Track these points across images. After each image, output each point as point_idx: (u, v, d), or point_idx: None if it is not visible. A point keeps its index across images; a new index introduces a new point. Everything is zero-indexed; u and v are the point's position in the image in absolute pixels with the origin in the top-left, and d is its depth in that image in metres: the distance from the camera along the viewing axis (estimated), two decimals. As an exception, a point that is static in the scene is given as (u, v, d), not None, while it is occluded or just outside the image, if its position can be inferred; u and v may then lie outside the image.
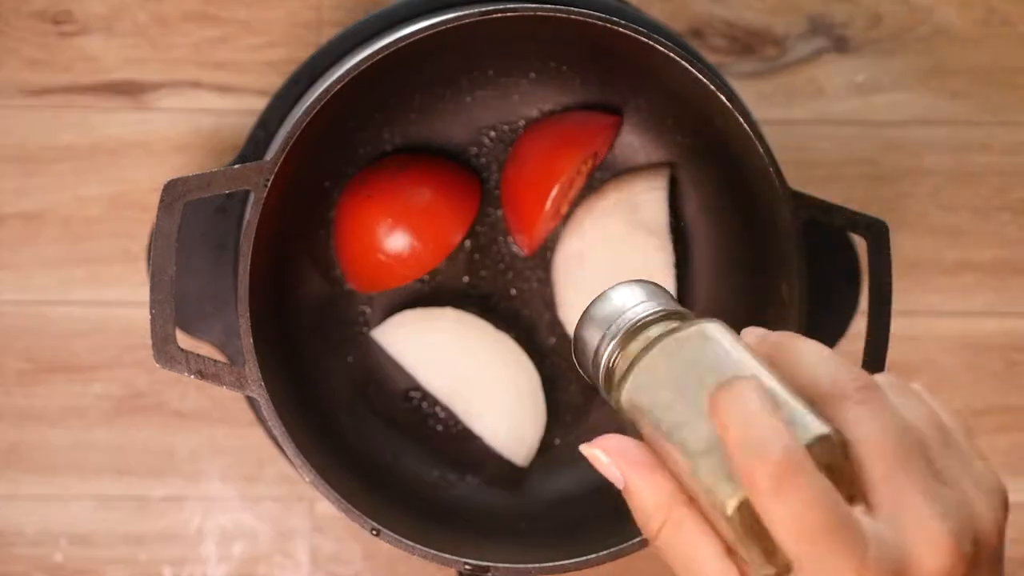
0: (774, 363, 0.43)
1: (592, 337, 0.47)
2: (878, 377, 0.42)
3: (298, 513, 0.79)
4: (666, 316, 0.46)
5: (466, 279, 0.75)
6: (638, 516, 0.43)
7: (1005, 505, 0.41)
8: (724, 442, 0.40)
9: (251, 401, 0.73)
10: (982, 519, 0.40)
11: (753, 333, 0.44)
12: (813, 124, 0.80)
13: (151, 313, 0.60)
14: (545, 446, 0.75)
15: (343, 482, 0.64)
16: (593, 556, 0.63)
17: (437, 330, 0.73)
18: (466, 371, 0.74)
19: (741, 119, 0.63)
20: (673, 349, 0.44)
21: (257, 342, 0.61)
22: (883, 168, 0.80)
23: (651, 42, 0.61)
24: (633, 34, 0.61)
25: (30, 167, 0.78)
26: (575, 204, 0.75)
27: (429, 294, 0.75)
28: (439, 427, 0.75)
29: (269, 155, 0.64)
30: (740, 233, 0.72)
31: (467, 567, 0.63)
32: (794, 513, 0.38)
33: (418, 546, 0.63)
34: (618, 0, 0.73)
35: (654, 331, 0.45)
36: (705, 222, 0.75)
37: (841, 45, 0.80)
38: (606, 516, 0.70)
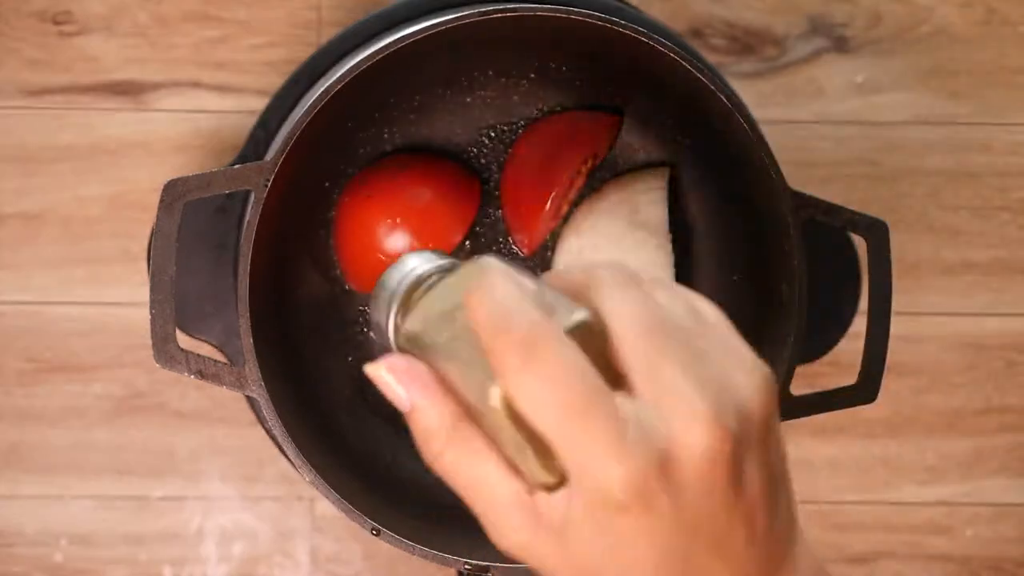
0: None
1: (379, 309, 0.46)
2: (637, 271, 0.41)
3: (298, 513, 0.79)
4: (450, 269, 0.45)
5: (466, 279, 0.75)
6: (420, 437, 0.41)
7: (769, 384, 0.39)
8: (475, 330, 0.39)
9: (251, 401, 0.73)
10: (745, 395, 0.38)
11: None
12: (813, 124, 0.80)
13: (151, 313, 0.60)
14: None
15: (343, 482, 0.64)
16: (593, 556, 0.63)
17: (437, 330, 0.73)
18: (466, 371, 0.74)
19: (741, 119, 0.63)
20: (448, 283, 0.43)
21: (257, 342, 0.61)
22: (883, 168, 0.80)
23: (651, 42, 0.61)
24: (633, 34, 0.61)
25: (30, 167, 0.78)
26: (575, 204, 0.75)
27: (429, 294, 0.75)
28: (439, 427, 0.75)
29: (269, 155, 0.64)
30: (740, 233, 0.72)
31: (467, 567, 0.63)
32: (544, 387, 0.37)
33: (418, 546, 0.63)
34: (618, 0, 0.73)
35: (431, 281, 0.45)
36: (705, 222, 0.75)
37: (841, 45, 0.80)
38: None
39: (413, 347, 0.43)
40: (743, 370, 0.39)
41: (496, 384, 0.39)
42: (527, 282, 0.40)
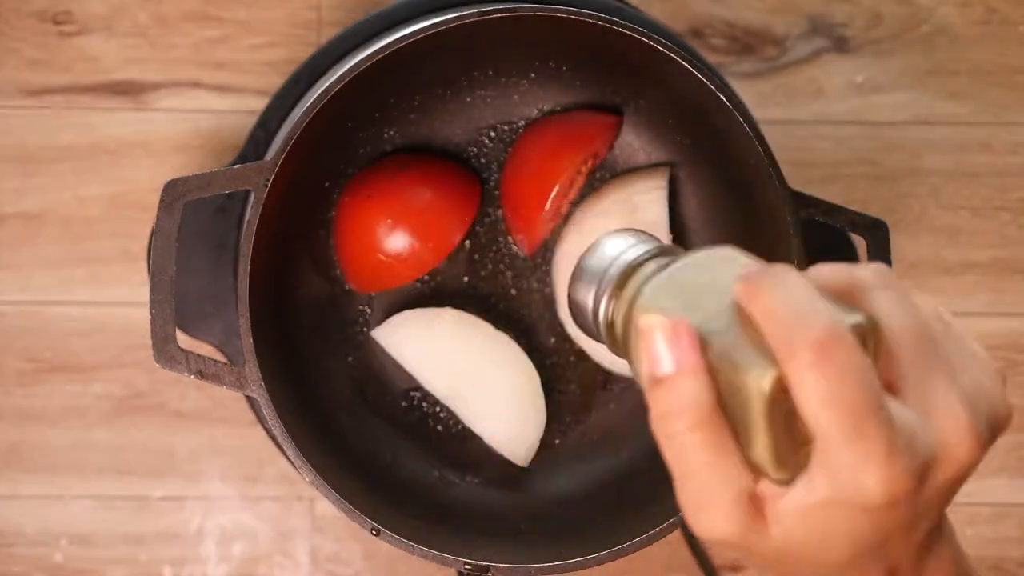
0: None
1: (586, 292, 0.45)
2: (889, 271, 0.42)
3: (298, 513, 0.79)
4: (660, 253, 0.45)
5: (466, 279, 0.75)
6: (666, 408, 0.40)
7: (1003, 381, 0.42)
8: (760, 319, 0.39)
9: (251, 401, 0.73)
10: (996, 402, 0.41)
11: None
12: (813, 124, 0.80)
13: (151, 313, 0.60)
14: (545, 446, 0.75)
15: (343, 482, 0.64)
16: (593, 556, 0.63)
17: (437, 330, 0.73)
18: (466, 371, 0.74)
19: (741, 119, 0.63)
20: (692, 263, 0.43)
21: (257, 342, 0.62)
22: (883, 168, 0.80)
23: (651, 42, 0.62)
24: (633, 34, 0.61)
25: (30, 167, 0.78)
26: (575, 204, 0.75)
27: (429, 294, 0.75)
28: (439, 427, 0.75)
29: (269, 155, 0.64)
30: (740, 233, 0.72)
31: (467, 567, 0.63)
32: (831, 387, 0.37)
33: (418, 546, 0.63)
34: (618, 0, 0.73)
35: (651, 266, 0.44)
36: (705, 222, 0.75)
37: (841, 45, 0.80)
38: (606, 516, 0.70)
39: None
40: (988, 376, 0.41)
41: (771, 371, 0.39)
42: (807, 280, 0.41)
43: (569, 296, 0.47)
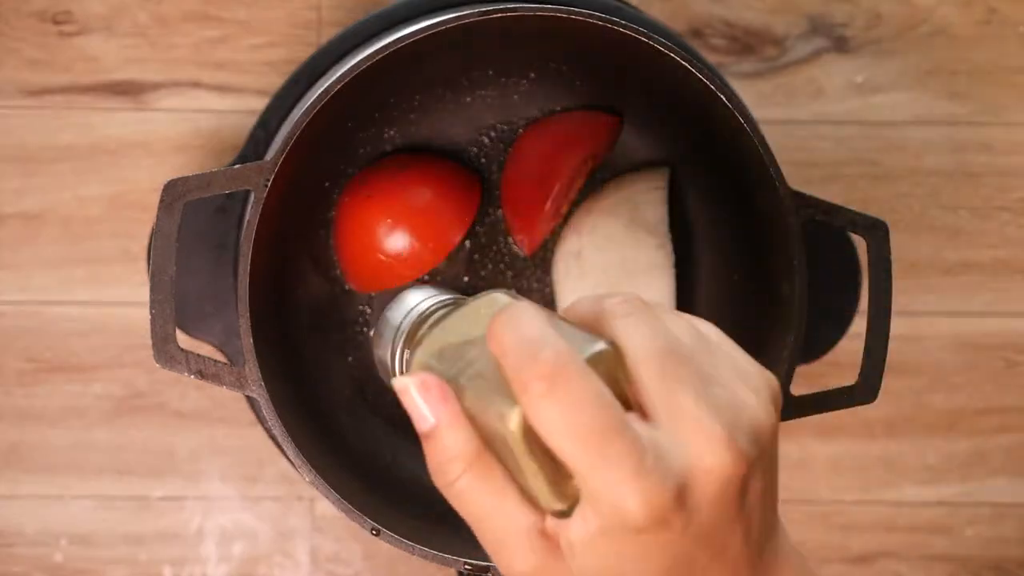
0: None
1: (383, 346, 0.46)
2: (643, 298, 0.42)
3: (298, 513, 0.79)
4: (450, 304, 0.45)
5: (466, 279, 0.75)
6: (441, 459, 0.41)
7: (775, 396, 0.41)
8: (500, 360, 0.40)
9: (251, 401, 0.73)
10: (755, 413, 0.40)
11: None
12: (813, 124, 0.80)
13: (151, 313, 0.60)
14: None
15: (343, 482, 0.64)
16: (593, 556, 0.63)
17: (437, 330, 0.73)
18: (466, 371, 0.74)
19: (741, 119, 0.63)
20: (461, 313, 0.44)
21: (257, 342, 0.61)
22: (883, 168, 0.80)
23: (651, 42, 0.61)
24: (633, 34, 0.61)
25: (30, 167, 0.78)
26: (575, 204, 0.75)
27: (429, 294, 0.75)
28: (439, 427, 0.75)
29: (269, 155, 0.64)
30: (740, 233, 0.72)
31: (467, 567, 0.63)
32: (567, 414, 0.38)
33: (418, 546, 0.63)
34: (618, 0, 0.73)
35: (437, 315, 0.45)
36: (705, 222, 0.75)
37: (841, 45, 0.80)
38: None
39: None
40: (750, 387, 0.40)
41: (516, 409, 0.39)
42: (548, 314, 0.41)
43: (373, 350, 0.47)
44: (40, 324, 0.78)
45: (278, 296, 0.70)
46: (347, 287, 0.74)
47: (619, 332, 0.41)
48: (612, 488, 0.38)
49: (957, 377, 0.81)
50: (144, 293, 0.65)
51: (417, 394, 0.42)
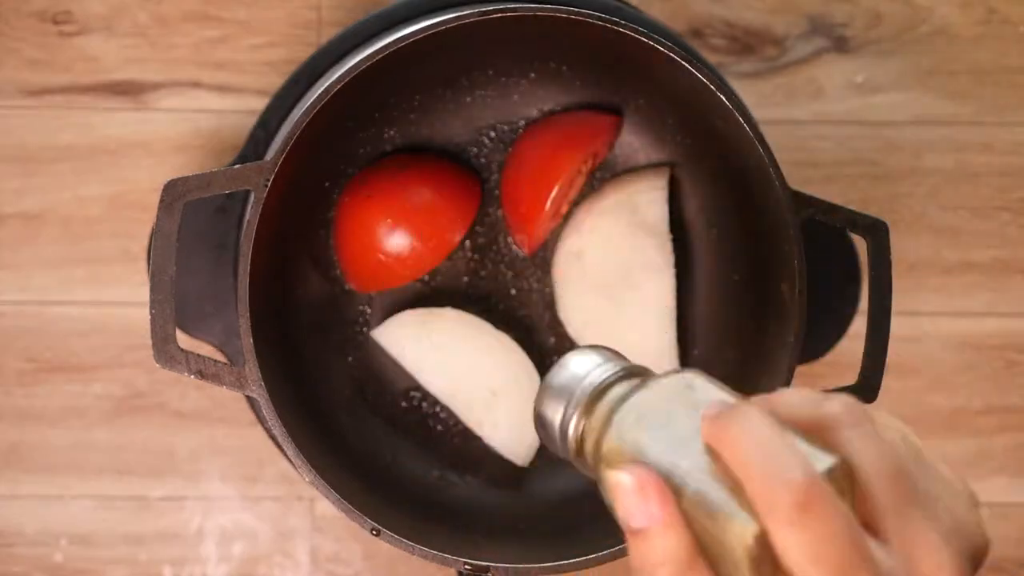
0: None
1: (554, 410, 0.45)
2: (861, 405, 0.41)
3: (298, 513, 0.79)
4: (628, 375, 0.44)
5: (466, 279, 0.75)
6: (645, 561, 0.40)
7: (980, 509, 0.41)
8: (733, 466, 0.38)
9: (251, 401, 0.73)
10: (978, 535, 0.40)
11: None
12: (813, 124, 0.80)
13: (151, 313, 0.60)
14: (545, 446, 0.75)
15: (343, 482, 0.64)
16: (593, 556, 0.63)
17: (437, 330, 0.73)
18: (466, 371, 0.74)
19: (741, 119, 0.63)
20: (655, 396, 0.42)
21: (257, 342, 0.61)
22: (883, 168, 0.80)
23: (651, 42, 0.61)
24: (633, 34, 0.61)
25: (30, 167, 0.78)
26: (575, 204, 0.75)
27: (429, 294, 0.75)
28: (439, 427, 0.75)
29: (269, 155, 0.64)
30: (740, 233, 0.72)
31: (467, 567, 0.63)
32: (817, 544, 0.37)
33: (418, 546, 0.63)
34: (618, 0, 0.73)
35: (619, 389, 0.44)
36: (705, 222, 0.75)
37: (841, 45, 0.80)
38: (606, 516, 0.70)
39: (609, 461, 0.42)
40: (964, 503, 0.41)
41: (752, 527, 0.38)
42: (774, 417, 0.40)
43: (536, 412, 0.46)
44: (40, 324, 0.78)
45: (278, 296, 0.70)
46: (347, 287, 0.74)
47: (852, 447, 0.39)
48: None
49: (957, 377, 0.81)
50: (144, 293, 0.65)
51: (632, 492, 0.40)
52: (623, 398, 0.43)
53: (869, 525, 0.39)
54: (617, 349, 0.47)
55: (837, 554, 0.37)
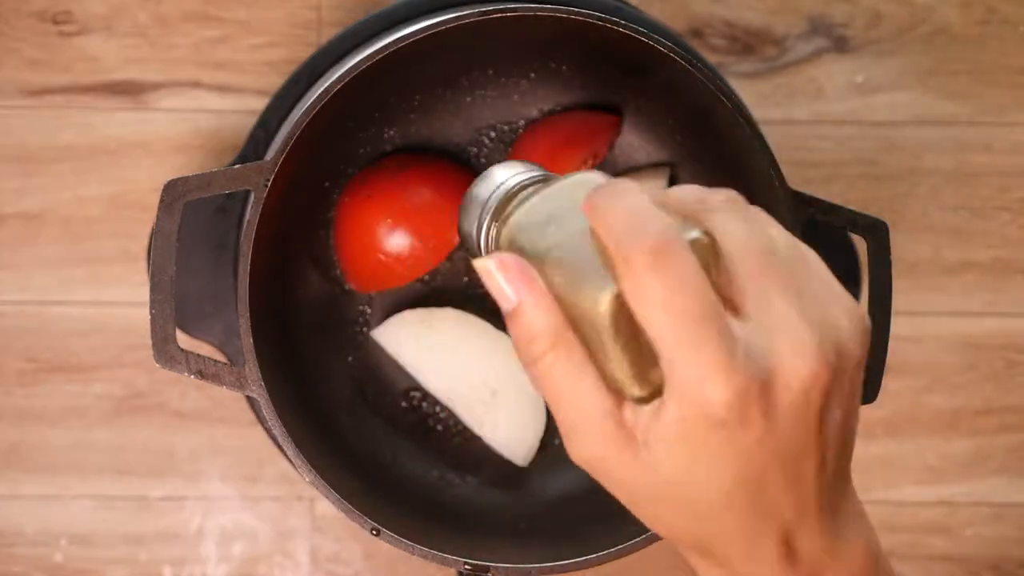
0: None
1: (471, 221, 0.46)
2: (741, 198, 0.42)
3: (298, 513, 0.79)
4: (540, 181, 0.45)
5: (466, 279, 0.75)
6: (522, 337, 0.41)
7: (867, 329, 0.41)
8: (600, 232, 0.39)
9: (251, 401, 0.73)
10: (846, 335, 0.40)
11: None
12: (813, 124, 0.80)
13: (151, 313, 0.60)
14: (545, 446, 0.75)
15: (343, 482, 0.64)
16: (593, 556, 0.63)
17: (437, 330, 0.73)
18: (466, 371, 0.74)
19: (741, 119, 0.63)
20: (552, 190, 0.43)
21: (257, 342, 0.61)
22: (883, 168, 0.80)
23: (651, 42, 0.61)
24: (633, 34, 0.61)
25: (30, 167, 0.78)
26: (575, 204, 0.75)
27: (429, 294, 0.75)
28: (439, 427, 0.75)
29: (269, 155, 0.64)
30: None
31: (467, 567, 0.63)
32: (669, 291, 0.37)
33: (418, 546, 0.63)
34: (618, 0, 0.73)
35: (526, 193, 0.45)
36: (705, 222, 0.75)
37: (841, 45, 0.80)
38: (606, 516, 0.70)
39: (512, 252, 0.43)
40: (845, 312, 0.40)
41: (609, 288, 0.39)
42: (651, 194, 0.41)
43: (458, 225, 0.47)
44: (40, 324, 0.78)
45: (278, 296, 0.70)
46: (347, 287, 0.74)
47: (719, 225, 0.40)
48: (700, 374, 0.37)
49: (957, 377, 0.81)
50: (144, 293, 0.65)
51: (498, 273, 0.41)
52: (524, 199, 0.44)
53: (730, 303, 0.39)
54: None
55: (686, 304, 0.37)
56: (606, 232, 0.39)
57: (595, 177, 0.44)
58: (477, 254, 0.47)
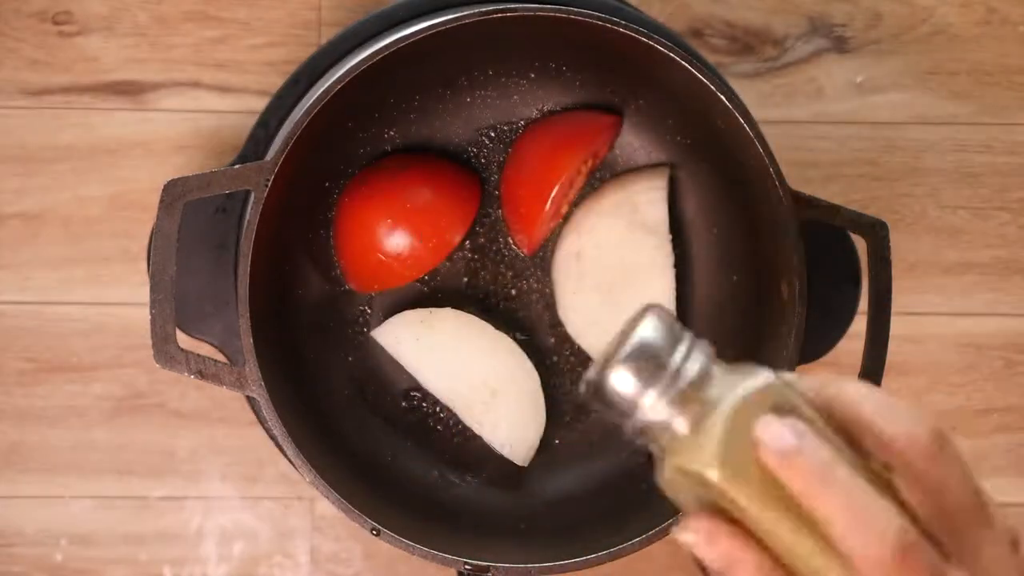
0: (832, 413, 0.42)
1: (625, 385, 0.42)
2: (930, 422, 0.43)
3: (298, 513, 0.79)
4: (708, 363, 0.43)
5: (466, 279, 0.75)
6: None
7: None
8: (825, 525, 0.40)
9: (251, 401, 0.73)
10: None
11: (809, 382, 0.43)
12: (813, 124, 0.80)
13: (151, 313, 0.60)
14: (545, 446, 0.75)
15: (343, 482, 0.64)
16: (593, 556, 0.64)
17: (437, 330, 0.73)
18: (466, 371, 0.74)
19: (741, 119, 0.63)
20: (745, 416, 0.42)
21: (257, 342, 0.62)
22: (883, 168, 0.80)
23: (651, 42, 0.62)
24: (633, 34, 0.61)
25: (30, 167, 0.78)
26: (575, 204, 0.75)
27: (429, 294, 0.75)
28: (439, 427, 0.75)
29: (269, 155, 0.64)
30: (740, 233, 0.72)
31: (467, 567, 0.63)
32: None
33: (418, 546, 0.63)
34: (618, 0, 0.73)
35: (713, 391, 0.42)
36: (705, 222, 0.75)
37: (841, 45, 0.80)
38: (606, 516, 0.70)
39: (704, 483, 0.42)
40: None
41: (836, 567, 0.41)
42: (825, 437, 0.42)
43: (604, 380, 0.42)
44: (40, 324, 0.78)
45: (278, 296, 0.70)
46: (347, 287, 0.74)
47: (911, 497, 0.43)
48: None
49: (957, 377, 0.81)
50: (144, 293, 0.65)
51: (706, 545, 0.42)
52: (714, 403, 0.42)
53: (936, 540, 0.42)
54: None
55: None
56: (836, 533, 0.40)
57: (787, 392, 0.43)
58: (619, 418, 0.43)
